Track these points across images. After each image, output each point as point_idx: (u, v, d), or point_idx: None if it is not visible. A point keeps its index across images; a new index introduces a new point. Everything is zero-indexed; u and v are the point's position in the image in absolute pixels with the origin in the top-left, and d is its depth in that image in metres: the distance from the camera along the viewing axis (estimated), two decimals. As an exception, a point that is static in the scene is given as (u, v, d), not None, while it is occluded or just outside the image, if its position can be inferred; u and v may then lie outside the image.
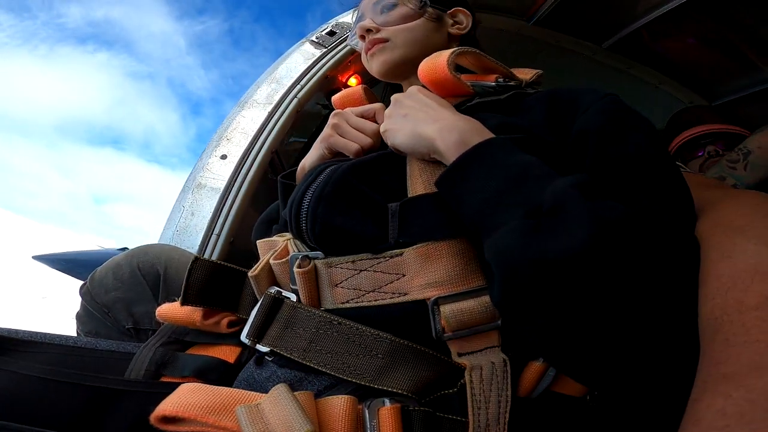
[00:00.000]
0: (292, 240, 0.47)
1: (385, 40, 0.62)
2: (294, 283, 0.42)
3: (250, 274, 0.46)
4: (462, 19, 0.66)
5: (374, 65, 0.63)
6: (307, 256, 0.42)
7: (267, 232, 0.58)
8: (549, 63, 1.50)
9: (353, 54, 1.13)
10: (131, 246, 0.78)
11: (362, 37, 0.64)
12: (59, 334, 0.46)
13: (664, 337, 0.29)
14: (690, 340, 0.30)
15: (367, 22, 0.63)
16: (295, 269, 0.41)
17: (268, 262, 0.46)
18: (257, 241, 0.54)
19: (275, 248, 0.48)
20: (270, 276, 0.46)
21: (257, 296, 0.46)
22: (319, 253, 0.42)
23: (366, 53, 0.64)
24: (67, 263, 0.97)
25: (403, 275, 0.39)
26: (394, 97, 0.48)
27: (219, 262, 0.49)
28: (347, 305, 0.40)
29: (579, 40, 1.45)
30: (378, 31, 0.62)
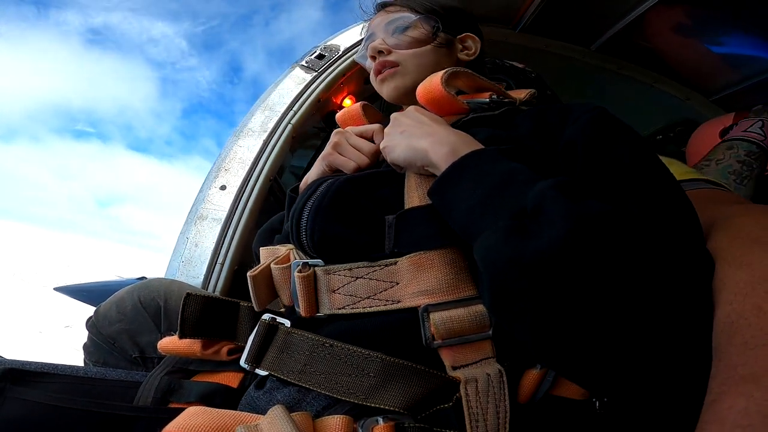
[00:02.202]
0: (294, 250, 0.49)
1: (396, 65, 0.61)
2: (293, 289, 0.44)
3: (249, 274, 0.47)
4: (471, 45, 0.66)
5: (385, 90, 0.63)
6: (307, 263, 0.44)
7: (269, 241, 0.60)
8: (540, 69, 1.50)
9: (344, 76, 1.16)
10: (149, 276, 0.82)
11: (372, 57, 0.63)
12: (69, 364, 0.48)
13: (658, 337, 0.29)
14: (691, 342, 0.30)
15: (378, 43, 0.62)
16: (295, 273, 0.43)
17: (268, 266, 0.47)
18: (260, 248, 0.56)
19: (277, 255, 0.50)
20: (268, 279, 0.48)
21: (253, 299, 0.48)
22: (319, 261, 0.45)
23: (376, 75, 0.63)
24: (88, 294, 0.99)
25: (397, 283, 0.40)
26: (393, 116, 0.51)
27: (210, 295, 0.50)
28: (343, 311, 0.42)
29: (567, 44, 1.45)
30: (389, 53, 0.61)
